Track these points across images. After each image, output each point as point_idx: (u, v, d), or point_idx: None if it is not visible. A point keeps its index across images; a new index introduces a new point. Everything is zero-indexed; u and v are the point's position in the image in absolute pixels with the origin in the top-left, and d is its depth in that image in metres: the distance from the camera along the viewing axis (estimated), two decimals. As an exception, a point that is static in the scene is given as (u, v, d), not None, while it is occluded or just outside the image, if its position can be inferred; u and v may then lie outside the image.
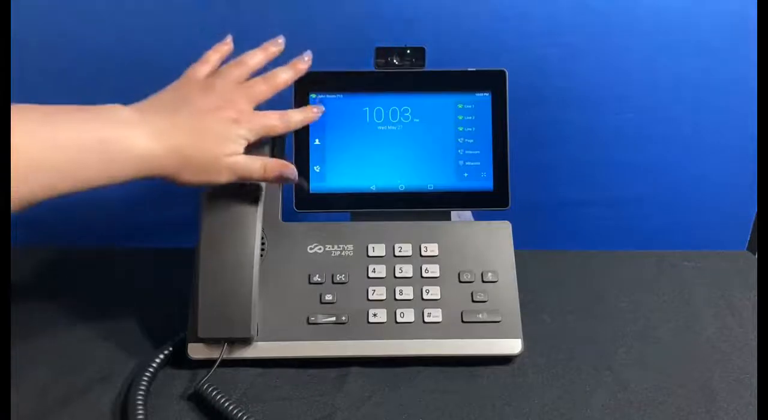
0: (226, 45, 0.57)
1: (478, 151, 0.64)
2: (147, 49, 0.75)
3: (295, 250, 0.61)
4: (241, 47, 0.75)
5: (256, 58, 0.56)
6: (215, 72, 0.55)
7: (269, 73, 0.56)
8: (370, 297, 0.59)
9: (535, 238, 0.71)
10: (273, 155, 0.61)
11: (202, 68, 0.55)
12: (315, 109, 0.58)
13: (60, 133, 0.45)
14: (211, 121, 0.51)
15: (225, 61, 0.56)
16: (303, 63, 0.58)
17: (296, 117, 0.56)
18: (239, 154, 0.52)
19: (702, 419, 0.54)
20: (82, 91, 0.72)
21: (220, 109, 0.52)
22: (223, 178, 0.52)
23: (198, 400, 0.54)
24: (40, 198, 0.45)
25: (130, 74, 0.75)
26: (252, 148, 0.54)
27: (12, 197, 0.43)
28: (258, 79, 0.55)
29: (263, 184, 0.57)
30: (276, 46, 0.57)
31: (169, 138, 0.49)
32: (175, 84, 0.54)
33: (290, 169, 0.55)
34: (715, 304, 0.67)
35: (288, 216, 0.63)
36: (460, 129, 0.64)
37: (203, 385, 0.53)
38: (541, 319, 0.64)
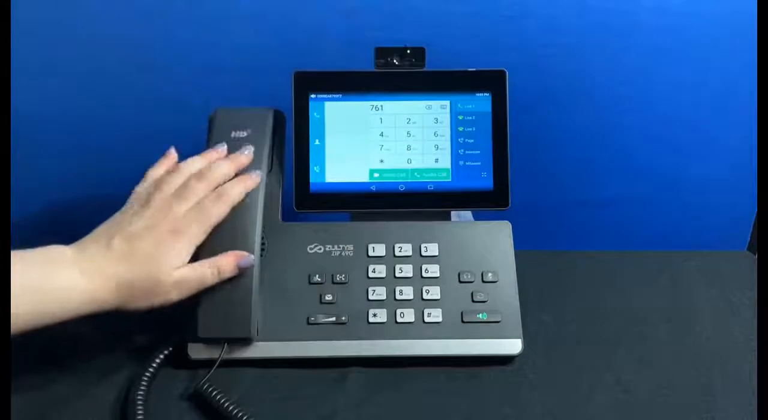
0: (168, 158, 0.57)
1: (478, 151, 0.64)
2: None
3: (295, 250, 0.61)
4: (243, 50, 0.76)
5: (196, 164, 0.55)
6: (153, 185, 0.54)
7: (219, 189, 0.54)
8: (370, 297, 0.59)
9: (535, 238, 0.71)
10: (272, 157, 0.61)
11: (142, 186, 0.54)
12: (253, 177, 0.56)
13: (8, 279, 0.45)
14: (142, 242, 0.50)
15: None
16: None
17: (236, 191, 0.54)
18: (182, 266, 0.51)
19: (702, 419, 0.54)
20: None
21: (154, 226, 0.50)
22: (174, 296, 0.51)
23: (198, 400, 0.54)
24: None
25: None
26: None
27: None
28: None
29: (262, 184, 0.57)
30: (218, 154, 0.56)
31: (103, 270, 0.48)
32: (117, 213, 0.53)
33: (247, 259, 0.53)
34: (715, 304, 0.67)
35: (288, 216, 0.63)
36: (460, 129, 0.64)
37: (203, 385, 0.53)
38: (541, 319, 0.64)
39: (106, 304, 0.49)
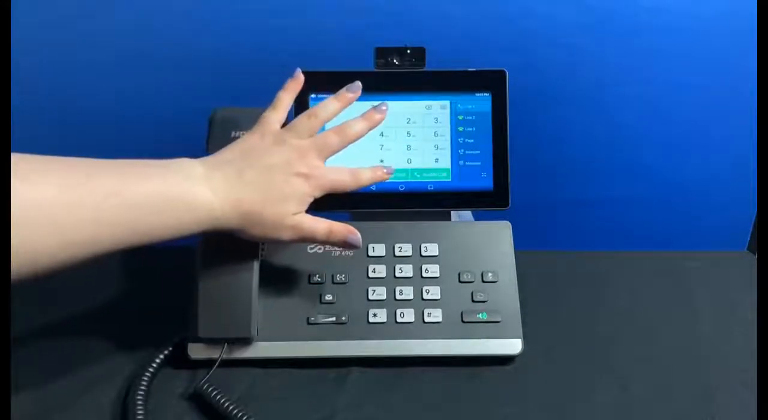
0: (296, 81, 0.56)
1: (478, 151, 0.64)
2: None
3: (295, 250, 0.61)
4: (243, 50, 0.76)
5: (330, 108, 0.55)
6: (288, 126, 0.53)
7: (342, 125, 0.54)
8: (370, 297, 0.59)
9: (535, 238, 0.71)
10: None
11: (275, 116, 0.54)
12: (385, 169, 0.56)
13: (129, 190, 0.45)
14: (279, 178, 0.50)
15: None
16: (379, 113, 0.56)
17: (366, 175, 0.55)
18: (303, 213, 0.52)
19: (702, 419, 0.54)
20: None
21: (290, 165, 0.51)
22: (286, 236, 0.51)
23: (198, 400, 0.54)
24: (107, 251, 0.45)
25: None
26: None
27: (77, 251, 0.43)
28: (330, 131, 0.54)
29: None
30: (352, 92, 0.56)
31: (234, 195, 0.49)
32: (248, 135, 0.53)
33: (356, 236, 0.54)
34: (715, 304, 0.67)
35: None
36: (460, 129, 0.64)
37: (203, 385, 0.53)
38: (541, 319, 0.64)
39: (227, 226, 0.50)
